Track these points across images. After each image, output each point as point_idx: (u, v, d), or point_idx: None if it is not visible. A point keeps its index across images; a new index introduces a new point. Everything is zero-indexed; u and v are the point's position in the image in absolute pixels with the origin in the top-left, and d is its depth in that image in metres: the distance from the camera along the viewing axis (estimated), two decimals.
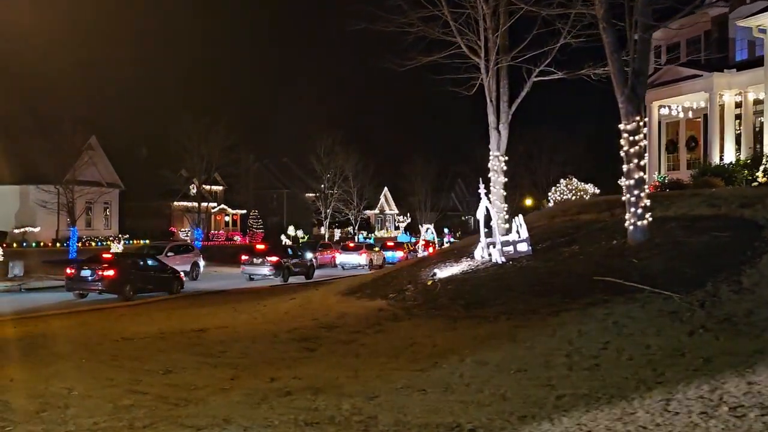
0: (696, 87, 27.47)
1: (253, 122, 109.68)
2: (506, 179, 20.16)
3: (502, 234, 18.00)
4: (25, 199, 51.46)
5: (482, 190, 18.06)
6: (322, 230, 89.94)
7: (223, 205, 78.65)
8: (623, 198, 15.71)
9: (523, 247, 16.92)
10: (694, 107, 28.79)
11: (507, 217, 19.77)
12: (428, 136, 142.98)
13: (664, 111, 28.18)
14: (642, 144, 15.60)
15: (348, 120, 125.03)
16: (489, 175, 20.04)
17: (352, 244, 52.75)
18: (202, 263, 37.28)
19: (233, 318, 17.11)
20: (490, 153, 20.02)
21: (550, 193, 28.72)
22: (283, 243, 61.98)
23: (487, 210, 18.02)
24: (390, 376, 9.43)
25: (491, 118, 19.70)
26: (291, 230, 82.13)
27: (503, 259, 16.77)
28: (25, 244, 49.39)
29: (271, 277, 33.88)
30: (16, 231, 50.42)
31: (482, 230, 18.08)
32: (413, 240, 69.30)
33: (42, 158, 45.60)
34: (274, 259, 34.46)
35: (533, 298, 12.83)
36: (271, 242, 56.99)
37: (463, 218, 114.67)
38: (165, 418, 8.34)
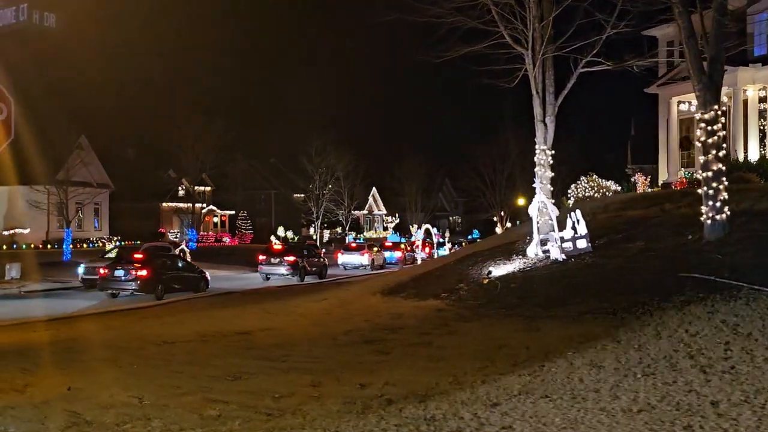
0: None
1: (245, 121, 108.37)
2: (552, 174, 19.47)
3: (548, 231, 17.29)
4: (13, 200, 50.01)
5: (537, 185, 17.32)
6: (311, 231, 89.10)
7: (212, 206, 77.39)
8: (699, 191, 15.01)
9: (582, 243, 16.21)
10: None
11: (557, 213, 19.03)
12: (420, 135, 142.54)
13: (683, 107, 27.64)
14: (720, 134, 14.96)
15: (341, 118, 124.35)
16: (535, 169, 19.31)
17: (354, 244, 51.99)
18: None
19: (270, 320, 16.25)
20: (536, 147, 19.33)
21: (570, 191, 28.01)
22: (274, 243, 60.86)
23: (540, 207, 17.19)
24: (498, 381, 8.64)
25: (537, 111, 19.01)
26: (281, 231, 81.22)
27: (563, 257, 16.05)
28: (15, 245, 47.94)
29: (288, 276, 33.96)
30: (5, 233, 48.97)
31: (535, 227, 17.34)
32: (412, 239, 68.50)
33: (32, 159, 44.21)
34: (292, 259, 34.52)
35: (615, 297, 12.12)
36: (278, 243, 55.69)
37: (450, 219, 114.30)
38: (268, 430, 7.51)
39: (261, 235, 79.44)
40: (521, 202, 73.47)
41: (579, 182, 27.69)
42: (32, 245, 49.15)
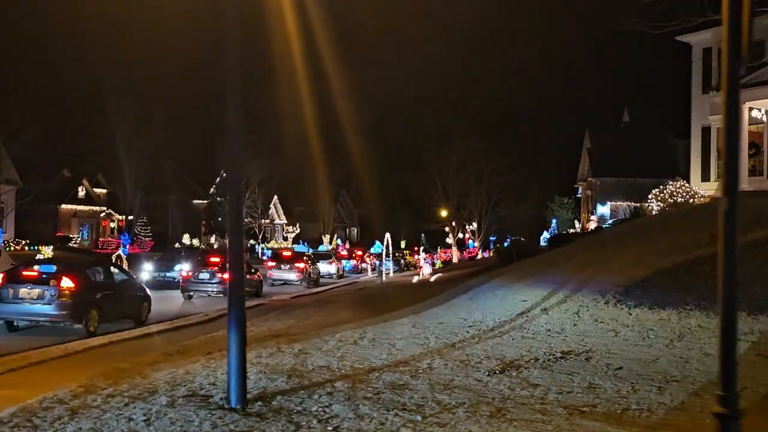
0: None
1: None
2: None
3: None
4: None
5: None
6: (212, 239, 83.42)
7: (109, 210, 70.39)
8: None
9: None
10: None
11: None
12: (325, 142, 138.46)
13: (756, 114, 26.46)
14: None
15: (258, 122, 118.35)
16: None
17: (287, 254, 45.15)
18: None
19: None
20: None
21: (651, 196, 26.00)
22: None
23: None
24: None
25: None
26: (186, 239, 75.34)
27: None
28: None
29: (297, 283, 33.76)
30: None
31: None
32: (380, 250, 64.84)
33: None
34: (301, 266, 34.15)
35: None
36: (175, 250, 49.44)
37: (347, 230, 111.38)
38: None
39: (159, 242, 73.10)
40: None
41: (665, 187, 25.59)
42: None
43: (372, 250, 76.15)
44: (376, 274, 44.27)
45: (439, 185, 57.47)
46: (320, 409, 7.76)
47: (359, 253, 55.81)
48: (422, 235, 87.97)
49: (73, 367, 11.58)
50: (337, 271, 41.78)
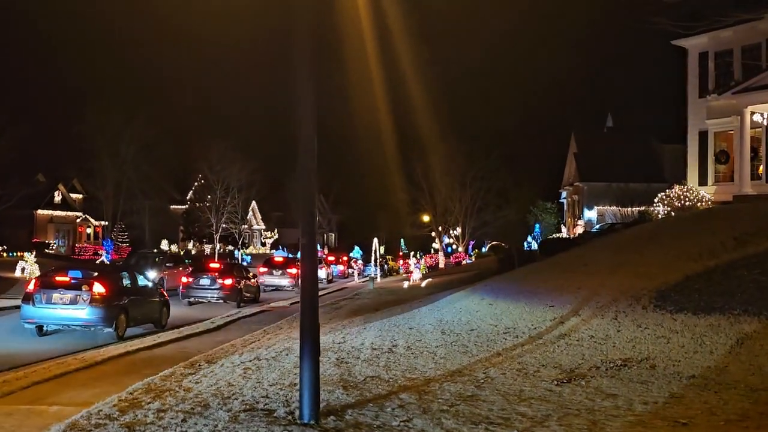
0: None
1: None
2: None
3: None
4: None
5: None
6: (190, 245, 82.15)
7: (86, 215, 68.92)
8: None
9: None
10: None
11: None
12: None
13: (757, 117, 26.33)
14: None
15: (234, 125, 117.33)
16: None
17: (279, 259, 44.99)
18: None
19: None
20: None
21: (656, 200, 25.74)
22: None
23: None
24: None
25: None
26: (164, 244, 74.24)
27: None
28: None
29: (289, 288, 33.06)
30: None
31: None
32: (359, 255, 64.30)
33: None
34: (294, 271, 32.71)
35: None
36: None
37: (324, 236, 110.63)
38: None
39: (138, 248, 71.84)
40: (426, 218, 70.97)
41: (670, 191, 25.38)
42: None
43: (352, 255, 75.55)
44: (364, 279, 43.76)
45: (426, 189, 57.01)
46: (401, 423, 7.25)
47: (345, 258, 55.13)
48: (401, 240, 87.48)
49: (101, 378, 10.97)
50: (327, 276, 41.14)
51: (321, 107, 7.96)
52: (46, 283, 15.85)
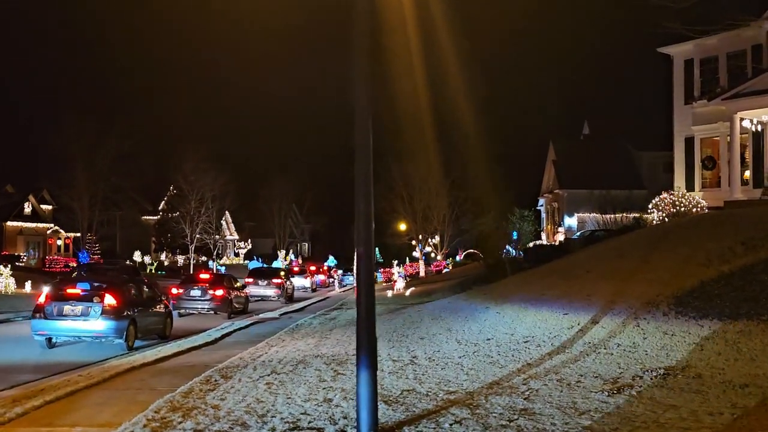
0: None
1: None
2: None
3: None
4: None
5: None
6: (162, 256, 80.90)
7: (56, 227, 67.39)
8: None
9: None
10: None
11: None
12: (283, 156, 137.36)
13: (746, 123, 26.43)
14: None
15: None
16: None
17: (264, 270, 44.92)
18: None
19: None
20: None
21: (650, 206, 25.67)
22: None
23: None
24: None
25: None
26: (137, 255, 73.02)
27: None
28: None
29: (275, 299, 33.68)
30: None
31: None
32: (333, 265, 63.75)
33: None
34: (279, 281, 33.87)
35: None
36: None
37: (298, 245, 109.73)
38: None
39: (109, 259, 70.47)
40: (403, 227, 70.53)
41: (662, 197, 25.33)
42: None
43: (327, 264, 74.99)
44: (344, 289, 43.51)
45: (405, 198, 56.66)
46: None
47: (325, 268, 54.69)
48: (376, 249, 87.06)
49: (116, 396, 10.38)
50: (311, 285, 41.22)
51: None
52: (56, 296, 15.81)
